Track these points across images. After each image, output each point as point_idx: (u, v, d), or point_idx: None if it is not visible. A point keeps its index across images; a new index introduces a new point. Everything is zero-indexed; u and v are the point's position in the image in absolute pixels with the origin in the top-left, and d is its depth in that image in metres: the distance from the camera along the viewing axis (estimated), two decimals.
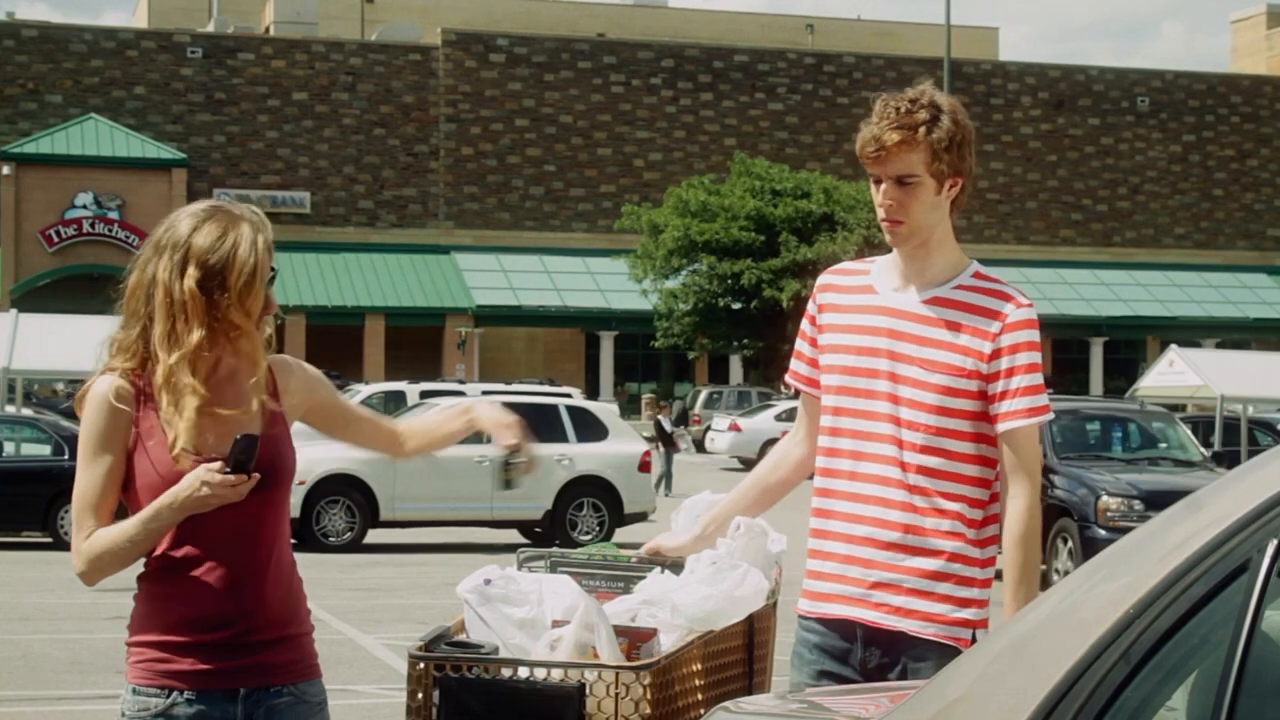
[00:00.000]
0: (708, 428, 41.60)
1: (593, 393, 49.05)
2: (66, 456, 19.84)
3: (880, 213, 3.82)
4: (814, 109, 61.42)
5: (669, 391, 54.94)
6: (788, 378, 4.06)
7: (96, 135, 54.35)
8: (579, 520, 20.27)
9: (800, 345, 3.98)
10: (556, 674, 3.63)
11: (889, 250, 3.92)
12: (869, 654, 3.72)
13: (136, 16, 75.66)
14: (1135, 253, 64.07)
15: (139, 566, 3.50)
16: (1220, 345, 54.02)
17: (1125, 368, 58.80)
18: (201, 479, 3.31)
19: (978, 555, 3.74)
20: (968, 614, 3.71)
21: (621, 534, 19.57)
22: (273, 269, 3.48)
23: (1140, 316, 60.36)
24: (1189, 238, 65.16)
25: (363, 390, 33.23)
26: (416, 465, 20.06)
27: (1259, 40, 73.23)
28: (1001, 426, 3.71)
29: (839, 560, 3.77)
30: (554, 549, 4.38)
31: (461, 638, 3.79)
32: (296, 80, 57.62)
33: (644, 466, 20.61)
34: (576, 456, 20.41)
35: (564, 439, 20.52)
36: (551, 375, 49.26)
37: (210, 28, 62.62)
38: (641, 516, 20.46)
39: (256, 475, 3.34)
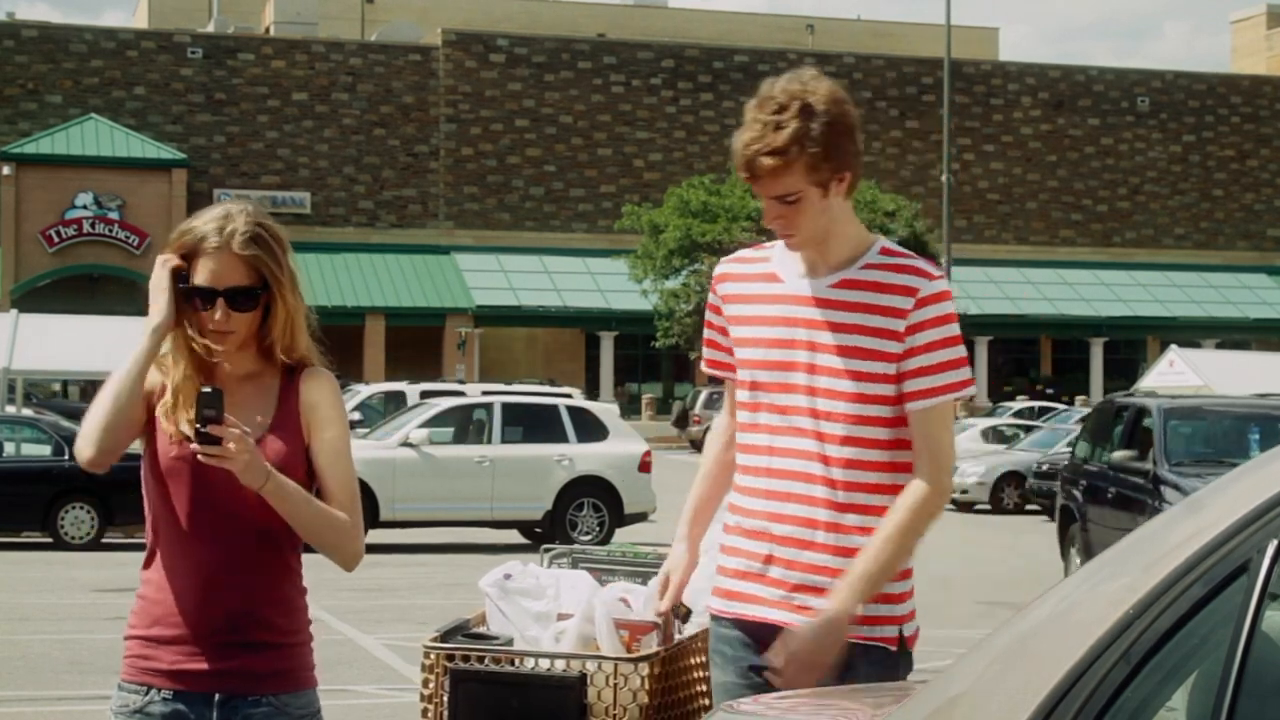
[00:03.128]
0: (707, 428, 41.53)
1: (593, 393, 49.04)
2: (66, 456, 19.85)
3: (773, 229, 3.66)
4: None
5: (669, 392, 55.01)
6: (705, 367, 3.89)
7: (96, 135, 54.35)
8: (579, 520, 20.27)
9: (711, 335, 3.81)
10: (560, 665, 3.70)
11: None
12: None
13: (136, 17, 75.68)
14: (1135, 253, 64.07)
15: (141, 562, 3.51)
16: (1220, 345, 54.05)
17: (1125, 368, 58.78)
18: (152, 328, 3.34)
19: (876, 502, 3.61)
20: (891, 610, 3.60)
21: (621, 534, 19.56)
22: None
23: (1140, 317, 60.36)
24: (1189, 238, 65.16)
25: (363, 390, 33.26)
26: (417, 465, 20.09)
27: (1259, 40, 73.24)
28: (909, 406, 3.56)
29: (760, 560, 3.62)
30: (577, 545, 4.47)
31: (481, 630, 3.87)
32: (296, 80, 57.63)
33: (644, 467, 20.60)
34: (576, 457, 20.41)
35: (564, 439, 20.51)
36: (551, 375, 49.30)
37: (210, 28, 62.62)
38: (641, 517, 20.46)
39: (236, 430, 3.25)
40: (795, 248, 3.66)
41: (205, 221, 3.43)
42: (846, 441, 3.57)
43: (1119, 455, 15.72)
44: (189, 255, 3.41)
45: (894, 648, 3.60)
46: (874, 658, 3.57)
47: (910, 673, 3.64)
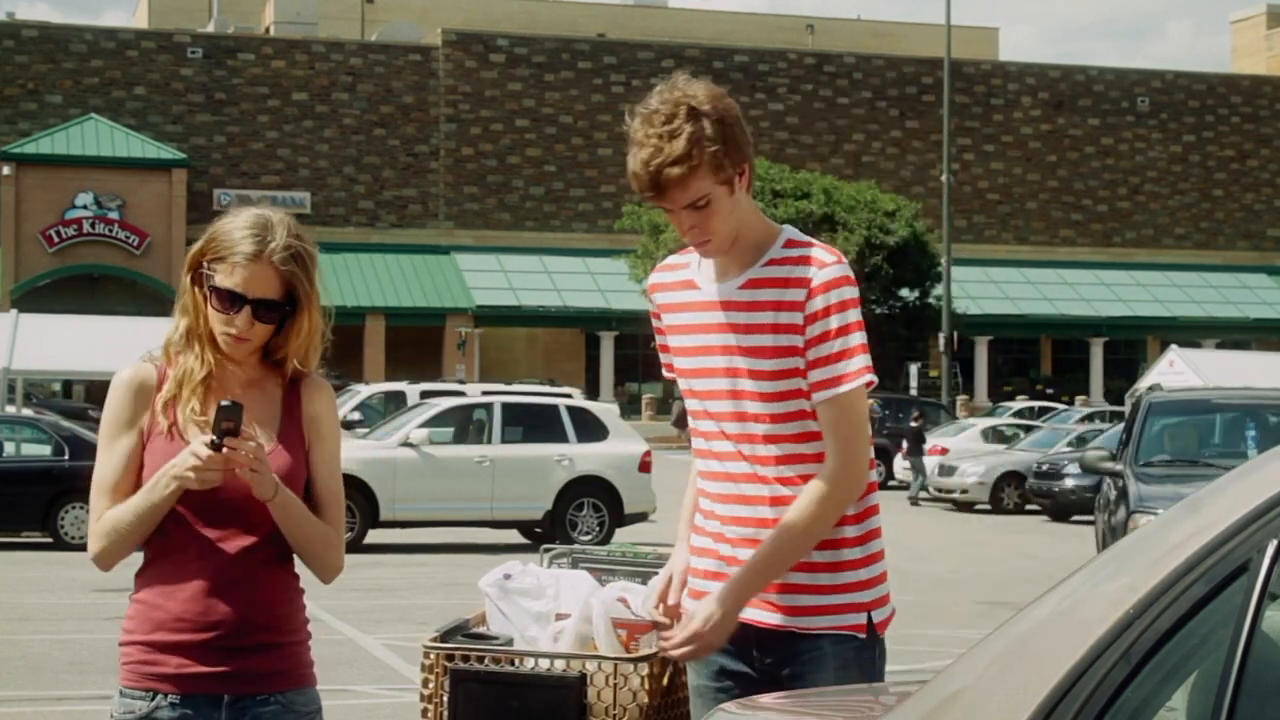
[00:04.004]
0: None
1: (593, 393, 49.05)
2: (66, 456, 19.86)
3: (685, 240, 3.66)
4: (814, 109, 61.37)
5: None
6: (664, 372, 3.90)
7: (96, 135, 54.36)
8: (579, 520, 20.26)
9: (661, 340, 3.85)
10: (559, 664, 3.71)
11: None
12: (762, 653, 3.64)
13: (136, 17, 75.70)
14: (1135, 253, 64.08)
15: (137, 564, 3.50)
16: (1220, 345, 54.06)
17: (1125, 368, 58.80)
18: (192, 450, 3.30)
19: (853, 533, 3.62)
20: (856, 597, 3.61)
21: (621, 534, 19.56)
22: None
23: (1140, 317, 60.37)
24: (1189, 238, 65.16)
25: (363, 390, 33.26)
26: (417, 465, 20.09)
27: (1259, 40, 73.25)
28: (814, 397, 3.56)
29: (724, 561, 3.65)
30: (577, 545, 4.49)
31: (481, 629, 3.89)
32: (296, 80, 57.64)
33: (644, 467, 20.60)
34: (576, 456, 20.41)
35: (564, 439, 20.51)
36: (551, 375, 49.30)
37: (210, 28, 62.64)
38: (641, 517, 20.45)
39: (253, 443, 3.30)
40: (712, 254, 3.66)
41: (243, 227, 3.41)
42: (771, 439, 3.60)
43: (1090, 454, 14.56)
44: (220, 257, 3.41)
45: (863, 634, 3.62)
46: (844, 646, 3.59)
47: (884, 658, 3.68)
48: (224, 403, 3.29)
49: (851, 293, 3.59)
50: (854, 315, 3.58)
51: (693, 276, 3.75)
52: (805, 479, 3.57)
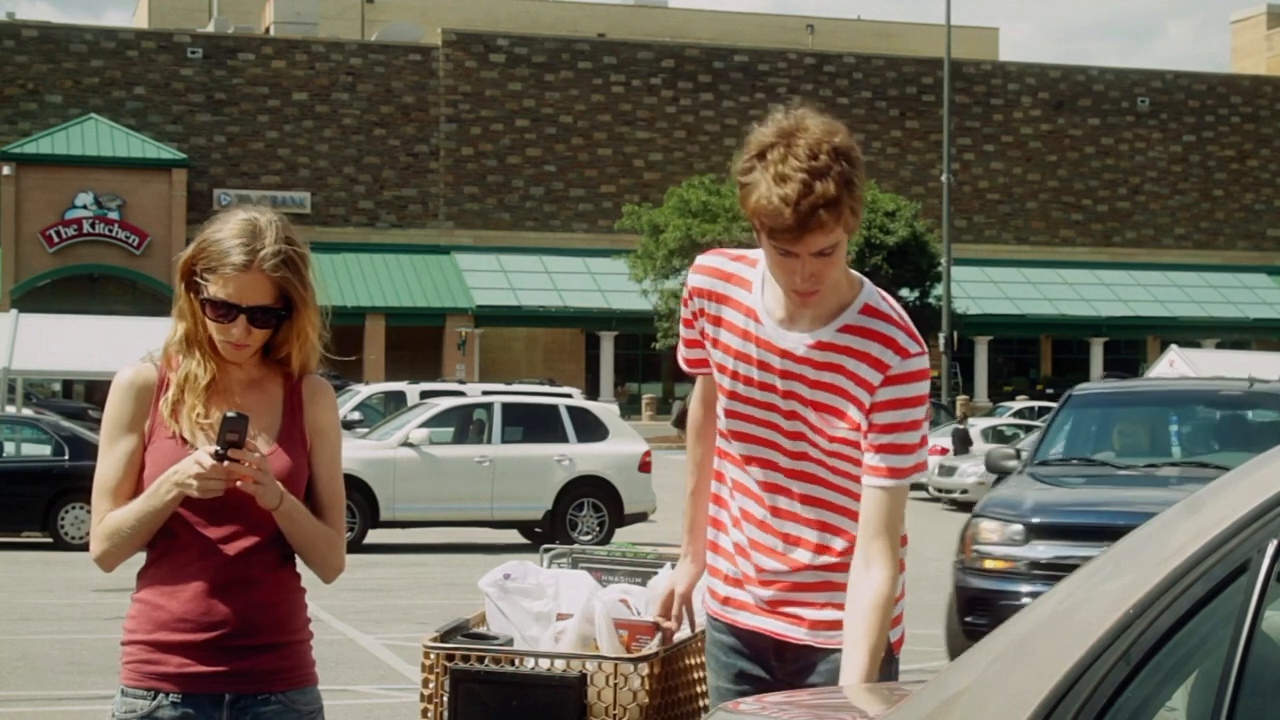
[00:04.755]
0: None
1: (593, 393, 49.05)
2: (66, 456, 19.86)
3: (789, 283, 3.44)
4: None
5: (669, 392, 54.97)
6: (685, 366, 3.79)
7: (96, 135, 54.36)
8: (579, 520, 20.26)
9: (690, 335, 3.69)
10: (559, 664, 3.72)
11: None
12: (781, 662, 3.66)
13: (137, 17, 75.70)
14: (1135, 253, 64.08)
15: (138, 563, 3.50)
16: (1220, 345, 54.07)
17: (1125, 368, 58.79)
18: (196, 459, 3.31)
19: None
20: None
21: (622, 534, 19.55)
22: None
23: (1140, 317, 60.37)
24: (1189, 238, 65.16)
25: (363, 390, 33.25)
26: (417, 465, 20.09)
27: (1259, 40, 73.24)
28: (866, 480, 3.50)
29: (758, 581, 3.66)
30: (577, 545, 4.48)
31: (481, 630, 3.89)
32: (296, 80, 57.63)
33: (644, 467, 20.59)
34: (576, 456, 20.40)
35: (564, 439, 20.51)
36: (551, 375, 49.27)
37: (210, 28, 62.62)
38: (642, 517, 20.44)
39: (258, 454, 3.32)
40: (812, 305, 3.49)
41: (232, 236, 3.40)
42: (809, 479, 3.59)
43: (995, 451, 13.05)
44: (210, 268, 3.41)
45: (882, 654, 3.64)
46: None
47: (898, 678, 3.70)
48: (229, 414, 3.29)
49: (926, 387, 3.53)
50: (924, 410, 3.52)
51: (755, 306, 3.57)
52: (824, 525, 3.59)
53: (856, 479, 3.55)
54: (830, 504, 3.61)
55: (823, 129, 3.42)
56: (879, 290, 3.62)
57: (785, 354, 3.53)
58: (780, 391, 3.56)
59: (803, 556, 3.62)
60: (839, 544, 3.63)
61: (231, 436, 3.27)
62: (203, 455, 3.30)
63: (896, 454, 3.47)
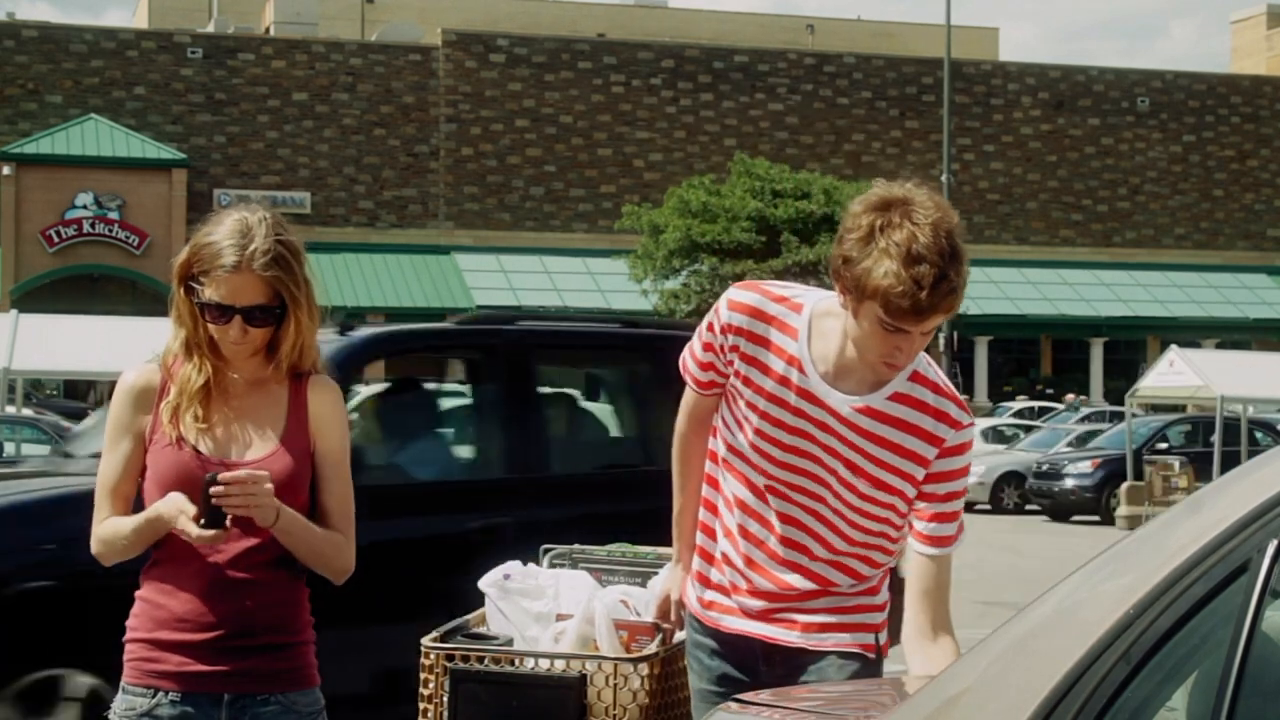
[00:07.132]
0: None
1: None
2: None
3: (886, 356, 3.41)
4: (814, 109, 61.37)
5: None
6: (693, 383, 3.73)
7: (96, 135, 54.35)
8: None
9: (710, 358, 3.63)
10: (559, 665, 3.72)
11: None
12: (769, 666, 3.67)
13: (137, 17, 75.69)
14: (1135, 253, 64.07)
15: (144, 560, 3.51)
16: (1220, 345, 54.06)
17: (1125, 368, 58.80)
18: (183, 527, 3.34)
19: (880, 571, 3.73)
20: (867, 618, 3.68)
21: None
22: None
23: (1140, 317, 60.36)
24: (1189, 238, 65.15)
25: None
26: None
27: (1259, 40, 73.24)
28: (916, 547, 3.55)
29: (747, 592, 3.67)
30: (576, 546, 4.48)
31: (481, 630, 3.90)
32: (296, 80, 57.63)
33: None
34: None
35: None
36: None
37: (210, 28, 62.63)
38: None
39: (245, 472, 3.33)
40: (888, 376, 3.48)
41: (224, 236, 3.41)
42: (834, 531, 3.63)
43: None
44: (204, 270, 3.41)
45: (871, 654, 3.67)
46: (851, 663, 3.63)
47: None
48: (206, 477, 3.32)
49: (971, 454, 3.59)
50: (969, 475, 3.61)
51: (801, 356, 3.53)
52: (835, 564, 3.63)
53: (876, 533, 3.61)
54: (843, 551, 3.65)
55: (937, 205, 3.36)
56: (925, 355, 3.60)
57: (830, 410, 3.52)
58: (818, 442, 3.55)
59: (803, 586, 3.65)
60: (845, 581, 3.66)
61: (216, 511, 3.29)
62: (188, 525, 3.32)
63: (946, 522, 3.55)
